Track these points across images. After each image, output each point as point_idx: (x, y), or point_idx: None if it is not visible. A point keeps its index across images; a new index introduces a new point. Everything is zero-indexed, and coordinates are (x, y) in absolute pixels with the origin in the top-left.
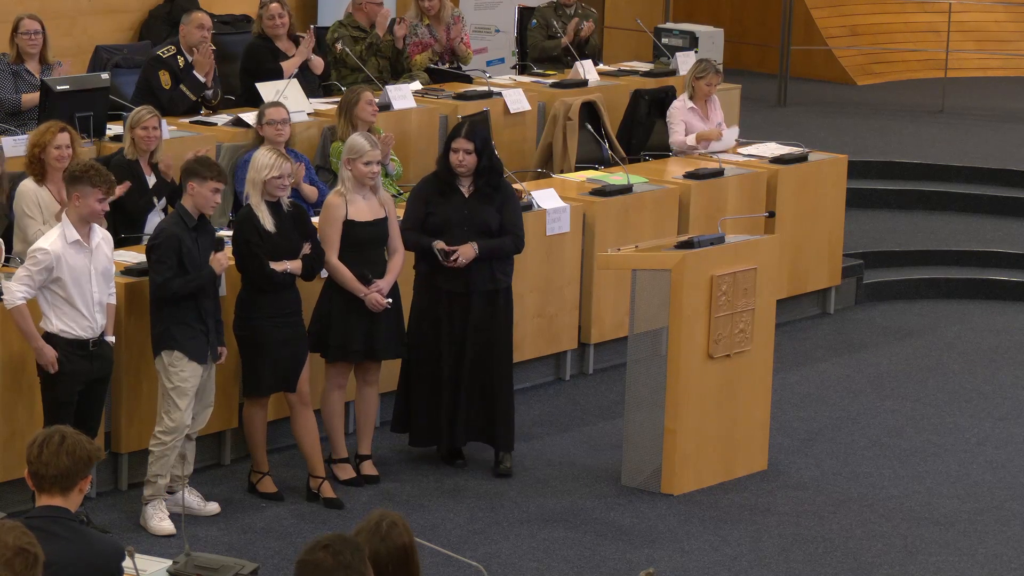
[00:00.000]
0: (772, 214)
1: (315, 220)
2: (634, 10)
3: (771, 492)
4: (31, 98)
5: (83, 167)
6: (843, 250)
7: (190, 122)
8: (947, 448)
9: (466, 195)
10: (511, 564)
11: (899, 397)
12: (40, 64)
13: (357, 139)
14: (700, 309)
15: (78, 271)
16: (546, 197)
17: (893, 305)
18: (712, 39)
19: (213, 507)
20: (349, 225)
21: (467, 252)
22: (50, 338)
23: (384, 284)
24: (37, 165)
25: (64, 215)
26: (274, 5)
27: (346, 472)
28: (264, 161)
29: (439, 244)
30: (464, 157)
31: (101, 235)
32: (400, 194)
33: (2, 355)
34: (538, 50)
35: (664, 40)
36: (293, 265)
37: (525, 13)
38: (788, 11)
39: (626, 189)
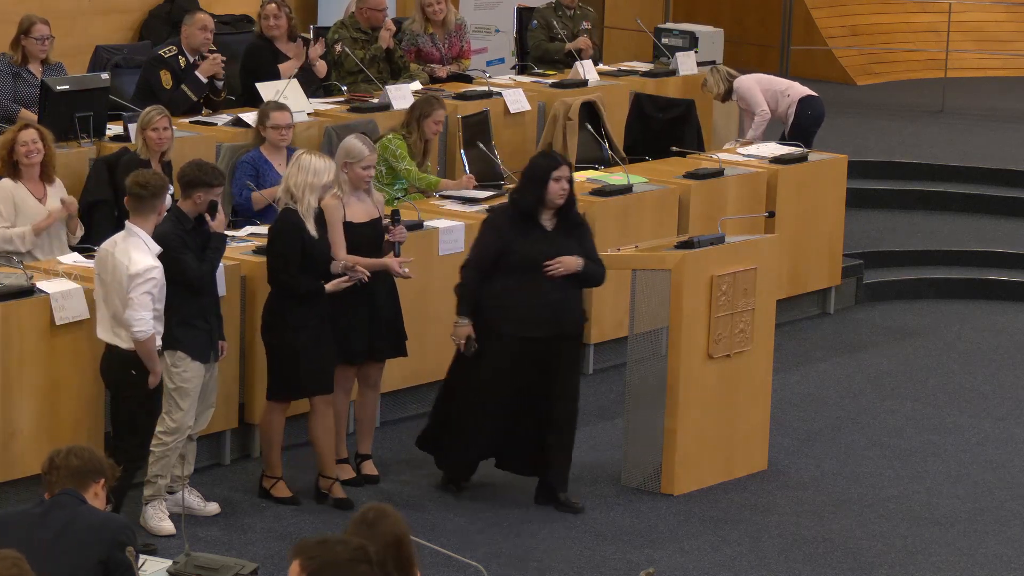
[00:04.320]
0: (772, 214)
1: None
2: (634, 10)
3: (771, 492)
4: (28, 114)
5: (153, 179)
6: (843, 250)
7: (190, 122)
8: (947, 448)
9: (548, 228)
10: (511, 564)
11: (899, 397)
12: (42, 65)
13: (356, 143)
14: (700, 309)
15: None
16: None
17: (893, 305)
18: (712, 39)
19: (213, 507)
20: (346, 227)
21: (571, 263)
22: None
23: (365, 262)
24: (8, 167)
25: (136, 228)
26: (270, 6)
27: (346, 472)
28: (321, 165)
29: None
30: (567, 186)
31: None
32: (405, 195)
33: (2, 355)
34: (540, 51)
35: (664, 40)
36: (340, 280)
37: (524, 13)
38: (788, 11)
39: (626, 189)
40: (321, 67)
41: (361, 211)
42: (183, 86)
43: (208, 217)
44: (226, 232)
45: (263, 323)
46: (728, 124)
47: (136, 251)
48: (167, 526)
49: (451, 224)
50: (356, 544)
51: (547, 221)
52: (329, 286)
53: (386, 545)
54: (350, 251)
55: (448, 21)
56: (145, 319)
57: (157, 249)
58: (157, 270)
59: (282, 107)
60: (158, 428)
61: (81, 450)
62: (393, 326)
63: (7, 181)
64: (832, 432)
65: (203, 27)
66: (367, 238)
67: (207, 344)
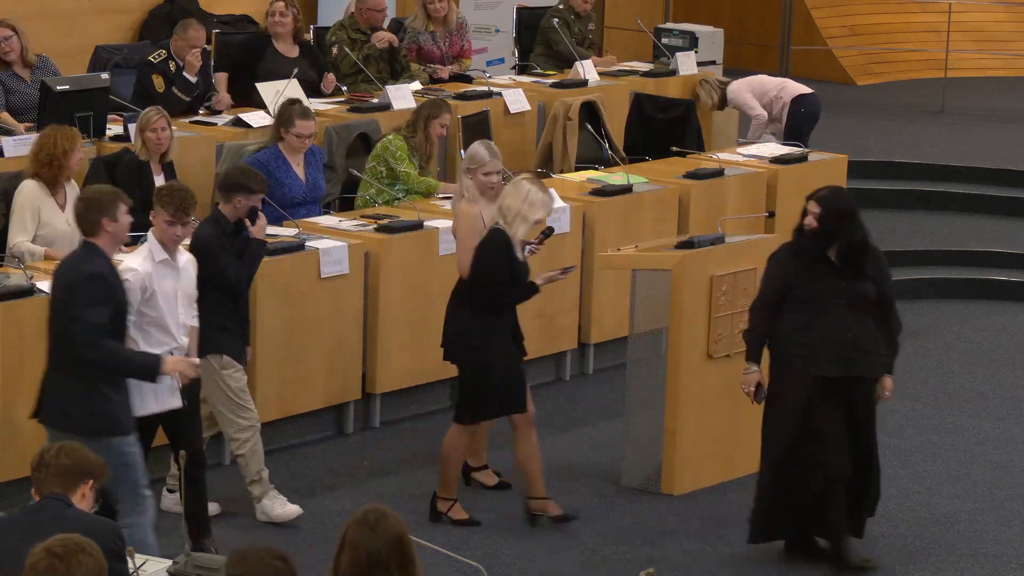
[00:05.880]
0: (772, 214)
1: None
2: (634, 10)
3: None
4: (7, 118)
5: (160, 187)
6: None
7: (190, 122)
8: (947, 448)
9: (837, 263)
10: (511, 564)
11: (899, 397)
12: (26, 67)
13: (477, 149)
14: (700, 309)
15: (168, 291)
16: None
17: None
18: (712, 39)
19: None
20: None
21: (889, 386)
22: None
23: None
24: (47, 169)
25: (150, 233)
26: (279, 3)
27: (490, 478)
28: (539, 199)
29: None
30: (812, 223)
31: (187, 257)
32: (405, 196)
33: (2, 355)
34: (557, 49)
35: (664, 40)
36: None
37: (524, 14)
38: (788, 11)
39: (626, 189)
40: (329, 83)
41: (492, 216)
42: (173, 88)
43: (248, 223)
44: (266, 239)
45: (457, 346)
46: (728, 124)
47: (134, 253)
48: (293, 509)
49: (451, 224)
50: (276, 553)
51: (835, 256)
52: (540, 280)
53: (388, 545)
54: None
55: (450, 20)
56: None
57: (162, 255)
58: (131, 272)
59: (308, 115)
60: (231, 431)
61: (72, 449)
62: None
63: (34, 185)
64: None
65: (192, 45)
66: None
67: (241, 348)
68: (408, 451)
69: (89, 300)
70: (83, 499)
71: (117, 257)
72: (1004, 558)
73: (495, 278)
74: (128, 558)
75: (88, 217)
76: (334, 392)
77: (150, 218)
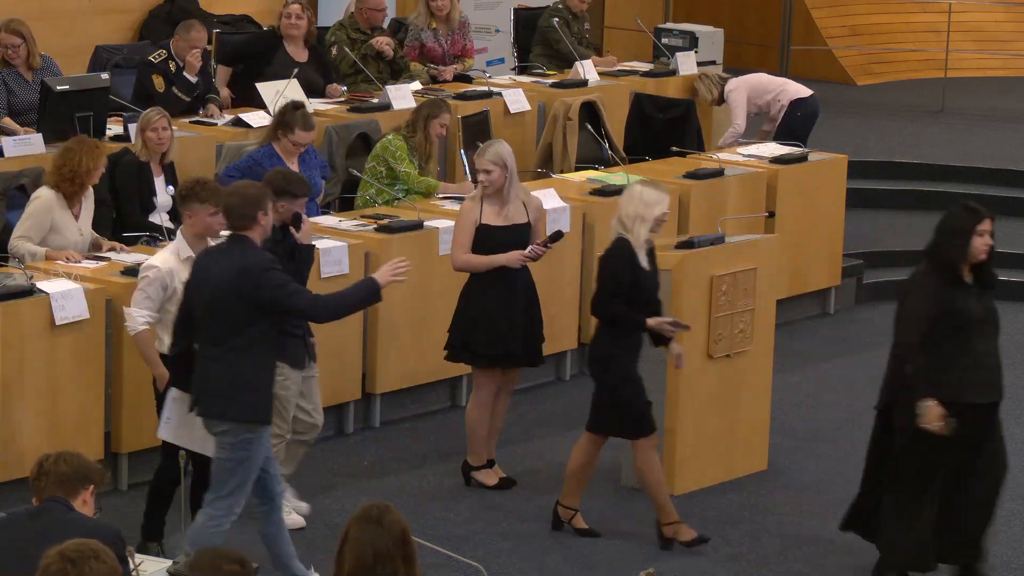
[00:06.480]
0: (772, 214)
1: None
2: (634, 10)
3: (771, 492)
4: (9, 122)
5: (190, 184)
6: (843, 250)
7: (190, 122)
8: None
9: (971, 284)
10: (511, 564)
11: None
12: (29, 69)
13: (498, 146)
14: (700, 309)
15: None
16: (546, 197)
17: (893, 305)
18: (712, 39)
19: None
20: (483, 230)
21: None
22: (163, 359)
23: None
24: (68, 184)
25: (179, 232)
26: (295, 5)
27: (490, 477)
28: (654, 196)
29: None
30: (991, 240)
31: None
32: (405, 196)
33: (2, 355)
34: (556, 48)
35: (664, 40)
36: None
37: (521, 14)
38: (788, 11)
39: None
40: (334, 90)
41: (499, 214)
42: (174, 88)
43: (293, 229)
44: (313, 243)
45: (594, 358)
46: (729, 124)
47: (160, 251)
48: (296, 519)
49: (451, 224)
50: (235, 556)
51: (967, 276)
52: (651, 322)
53: (394, 539)
54: (486, 254)
55: (452, 18)
56: (131, 315)
57: (188, 253)
58: (152, 270)
59: (310, 125)
60: None
61: (70, 456)
62: (533, 332)
63: (52, 196)
64: (832, 432)
65: (192, 46)
66: (501, 242)
67: (303, 351)
68: (408, 451)
69: (278, 279)
70: (84, 505)
71: (140, 256)
72: (1004, 558)
73: (617, 288)
74: (128, 557)
75: (243, 212)
76: (334, 392)
77: (184, 217)
